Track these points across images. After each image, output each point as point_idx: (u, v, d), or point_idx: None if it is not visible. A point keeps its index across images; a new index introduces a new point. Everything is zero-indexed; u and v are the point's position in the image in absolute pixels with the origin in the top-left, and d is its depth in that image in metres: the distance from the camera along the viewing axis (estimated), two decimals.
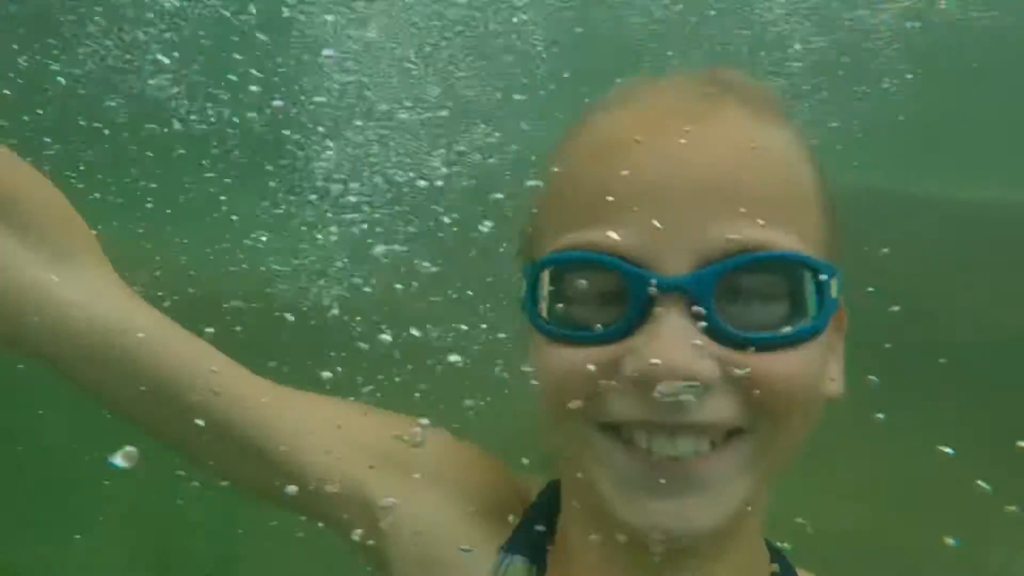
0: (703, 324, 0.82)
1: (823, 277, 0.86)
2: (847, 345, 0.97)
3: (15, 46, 5.31)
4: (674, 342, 0.81)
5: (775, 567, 1.00)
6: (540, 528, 1.00)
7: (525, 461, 1.08)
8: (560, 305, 0.88)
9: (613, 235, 0.84)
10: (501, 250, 1.08)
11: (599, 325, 0.85)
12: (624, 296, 0.84)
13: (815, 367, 0.87)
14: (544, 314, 0.88)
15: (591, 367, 0.84)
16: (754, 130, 0.88)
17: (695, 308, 0.82)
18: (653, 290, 0.82)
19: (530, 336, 0.92)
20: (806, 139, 0.93)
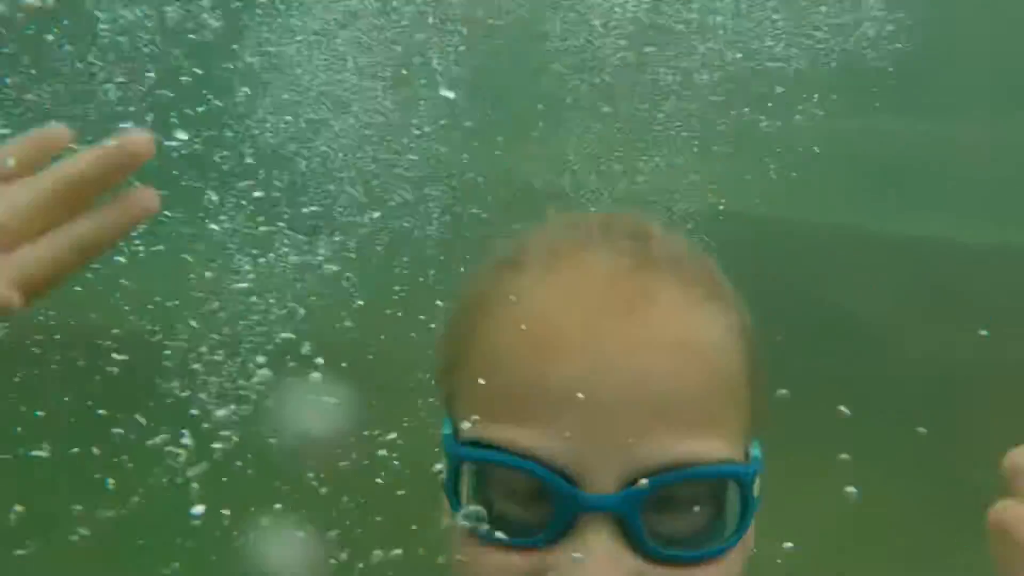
0: (629, 541, 0.81)
1: (747, 484, 0.85)
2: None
3: None
4: (598, 566, 0.80)
5: None
6: None
7: None
8: (483, 500, 0.85)
9: (540, 444, 0.82)
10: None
11: (522, 532, 0.83)
12: (549, 497, 0.82)
13: (736, 568, 0.87)
14: (466, 508, 0.86)
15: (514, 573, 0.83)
16: (689, 321, 0.86)
17: (621, 525, 0.81)
18: (580, 510, 0.81)
19: (451, 516, 0.89)
20: (739, 311, 0.91)
